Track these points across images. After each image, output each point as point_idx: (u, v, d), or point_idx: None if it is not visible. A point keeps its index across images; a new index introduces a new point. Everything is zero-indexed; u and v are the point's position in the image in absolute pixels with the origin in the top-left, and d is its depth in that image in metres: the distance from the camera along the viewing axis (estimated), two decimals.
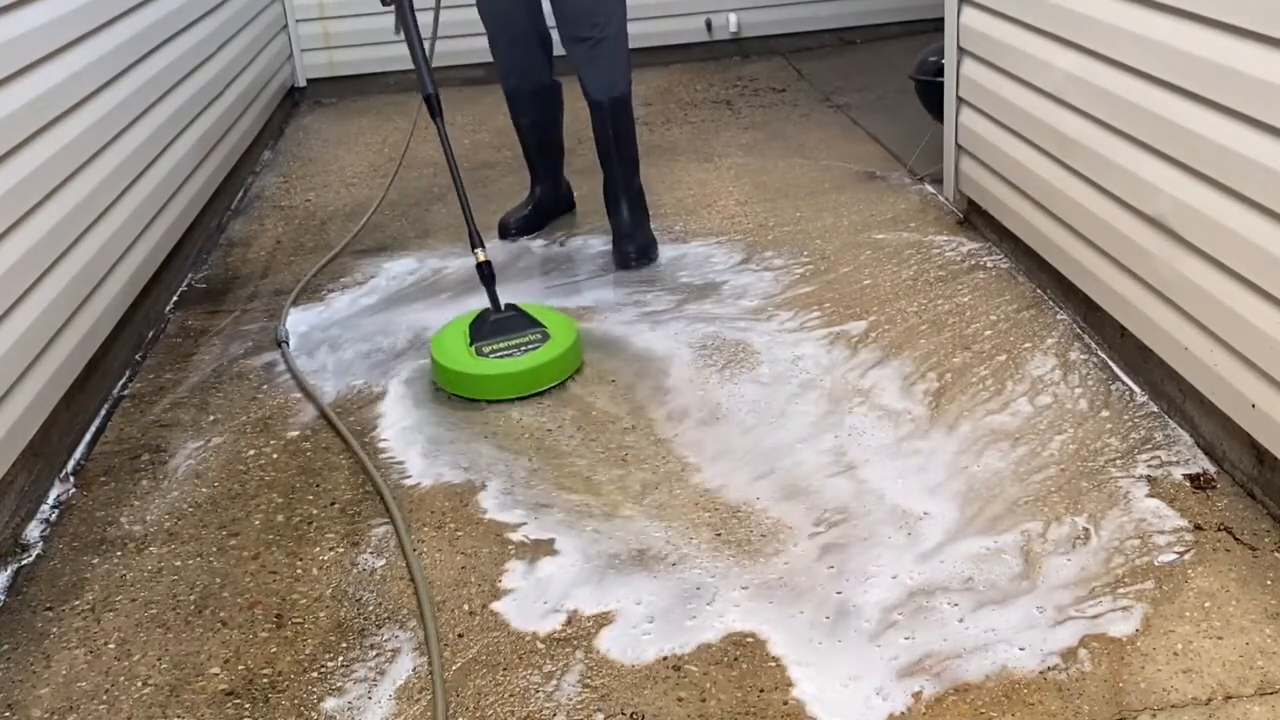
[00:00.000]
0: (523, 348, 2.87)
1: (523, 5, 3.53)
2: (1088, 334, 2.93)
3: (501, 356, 2.85)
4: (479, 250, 3.03)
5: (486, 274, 3.02)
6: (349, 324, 3.31)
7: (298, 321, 3.33)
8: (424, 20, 3.30)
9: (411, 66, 3.19)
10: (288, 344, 3.18)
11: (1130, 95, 2.56)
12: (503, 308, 3.01)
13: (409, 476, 2.55)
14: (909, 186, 4.04)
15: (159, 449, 2.73)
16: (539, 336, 2.90)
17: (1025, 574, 2.12)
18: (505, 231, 3.83)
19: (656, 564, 2.21)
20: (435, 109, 3.17)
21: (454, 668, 1.99)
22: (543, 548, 2.28)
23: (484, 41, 3.68)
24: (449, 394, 2.87)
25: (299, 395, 2.93)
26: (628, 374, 2.92)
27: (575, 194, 4.02)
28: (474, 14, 3.61)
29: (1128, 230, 2.61)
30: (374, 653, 2.04)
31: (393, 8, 3.30)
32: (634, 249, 3.55)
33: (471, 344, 2.89)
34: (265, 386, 2.99)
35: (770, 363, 2.92)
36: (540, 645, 2.04)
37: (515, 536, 2.32)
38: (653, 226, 3.67)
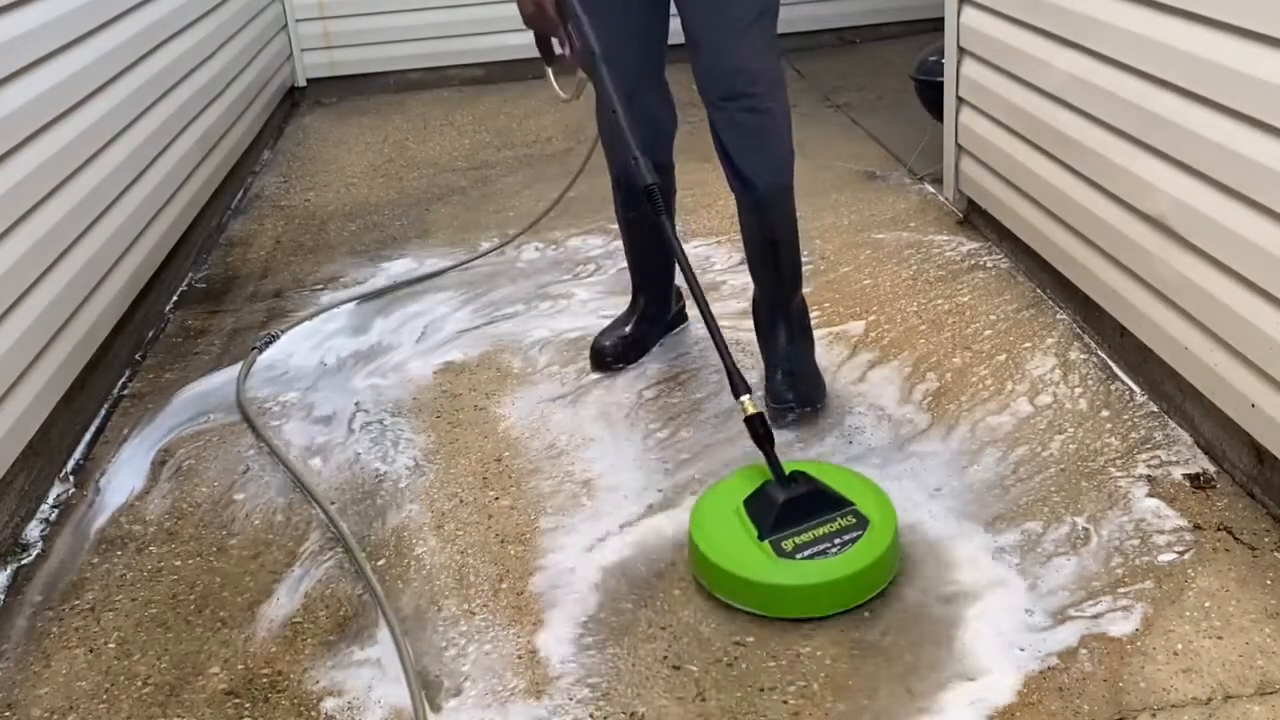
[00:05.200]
0: (837, 541, 2.04)
1: (655, 68, 2.78)
2: (1087, 334, 2.93)
3: (811, 556, 2.02)
4: (745, 399, 2.18)
5: (760, 432, 2.16)
6: (344, 323, 3.31)
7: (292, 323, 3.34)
8: None
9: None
10: (260, 350, 3.12)
11: (1130, 95, 2.56)
12: (788, 476, 2.15)
13: (403, 481, 2.55)
14: (909, 186, 4.04)
15: (159, 449, 2.73)
16: (853, 521, 2.08)
17: (1024, 574, 2.12)
18: (601, 361, 2.92)
19: (656, 563, 2.21)
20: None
21: (454, 667, 2.00)
22: (548, 540, 2.29)
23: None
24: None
25: (296, 395, 2.92)
26: (624, 374, 2.92)
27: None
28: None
29: (1128, 230, 2.61)
30: (374, 653, 2.04)
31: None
32: (794, 393, 2.63)
33: (763, 537, 2.06)
34: (265, 386, 2.99)
35: None
36: (538, 644, 2.04)
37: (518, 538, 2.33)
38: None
